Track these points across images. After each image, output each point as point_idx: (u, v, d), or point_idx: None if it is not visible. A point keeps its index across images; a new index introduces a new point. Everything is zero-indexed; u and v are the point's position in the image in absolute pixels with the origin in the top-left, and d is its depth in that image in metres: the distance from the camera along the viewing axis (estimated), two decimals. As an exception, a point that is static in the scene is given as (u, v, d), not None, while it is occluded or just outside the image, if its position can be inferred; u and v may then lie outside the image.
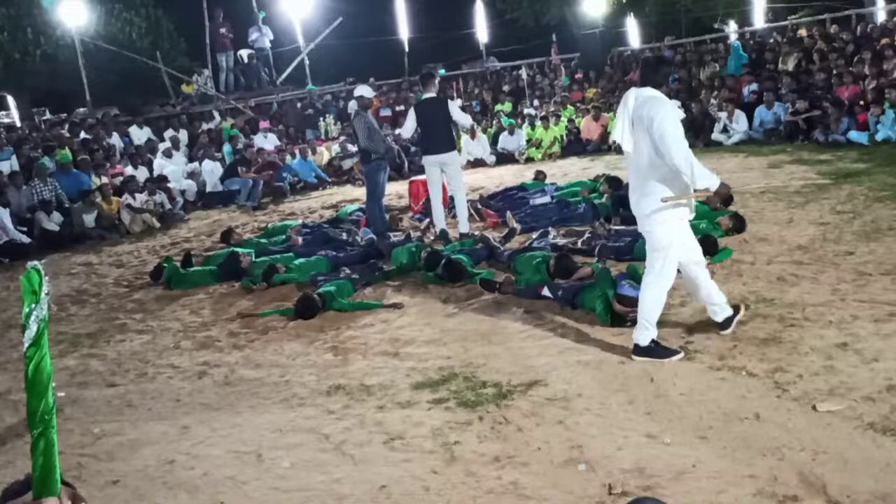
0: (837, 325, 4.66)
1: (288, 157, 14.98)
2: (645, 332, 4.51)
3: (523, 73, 19.37)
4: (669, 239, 4.45)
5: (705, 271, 4.71)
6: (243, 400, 4.73)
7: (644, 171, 4.43)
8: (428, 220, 9.27)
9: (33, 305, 1.47)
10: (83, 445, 4.29)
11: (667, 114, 4.29)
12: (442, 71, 22.60)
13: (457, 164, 8.53)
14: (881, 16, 19.60)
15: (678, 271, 4.62)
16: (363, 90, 9.25)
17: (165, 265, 8.22)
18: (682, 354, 4.49)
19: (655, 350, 4.50)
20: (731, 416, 3.71)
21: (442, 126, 8.33)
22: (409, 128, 8.63)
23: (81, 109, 18.30)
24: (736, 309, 4.79)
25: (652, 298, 4.52)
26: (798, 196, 8.37)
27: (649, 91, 4.45)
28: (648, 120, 4.27)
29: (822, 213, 7.29)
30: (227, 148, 15.17)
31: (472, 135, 15.10)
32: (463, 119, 9.14)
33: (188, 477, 3.79)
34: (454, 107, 8.44)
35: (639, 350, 4.53)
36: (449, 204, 10.14)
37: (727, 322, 4.73)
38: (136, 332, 6.56)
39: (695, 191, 4.48)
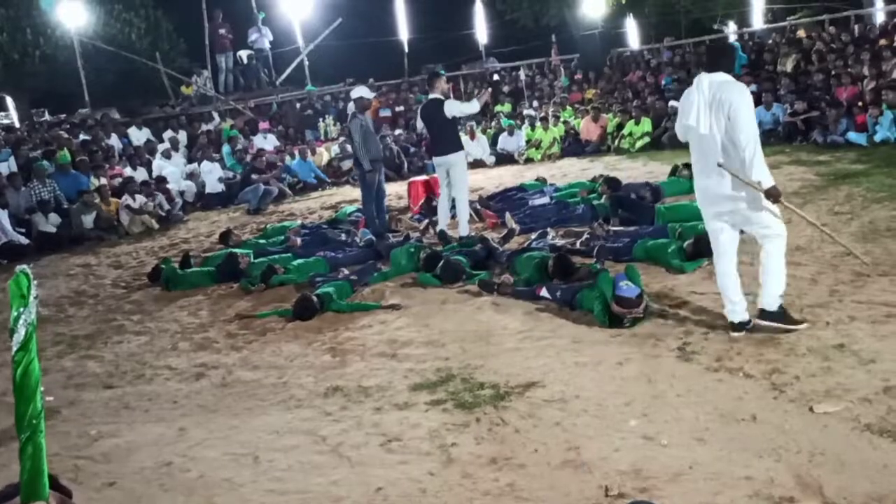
0: (835, 326, 4.66)
1: (287, 158, 15.01)
2: (773, 298, 4.65)
3: (522, 74, 19.37)
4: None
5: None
6: (241, 401, 4.73)
7: (718, 154, 4.55)
8: (427, 220, 9.28)
9: (21, 309, 1.47)
10: (80, 447, 4.29)
11: (743, 98, 4.44)
12: (442, 71, 22.63)
13: (461, 165, 8.39)
14: (880, 17, 19.60)
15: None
16: (362, 91, 9.21)
17: (163, 266, 8.22)
18: (806, 325, 4.62)
19: (783, 316, 4.63)
20: (728, 418, 3.71)
21: (444, 127, 8.22)
22: (419, 126, 8.67)
23: (83, 110, 18.29)
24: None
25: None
26: (796, 197, 8.36)
27: (722, 76, 4.59)
28: (727, 103, 4.41)
29: (820, 214, 7.28)
30: (226, 149, 15.18)
31: (472, 135, 15.11)
32: (463, 109, 8.53)
33: (185, 479, 3.78)
34: (450, 105, 8.22)
35: (766, 315, 4.64)
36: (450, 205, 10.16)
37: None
38: (134, 334, 6.56)
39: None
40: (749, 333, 4.68)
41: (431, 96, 8.40)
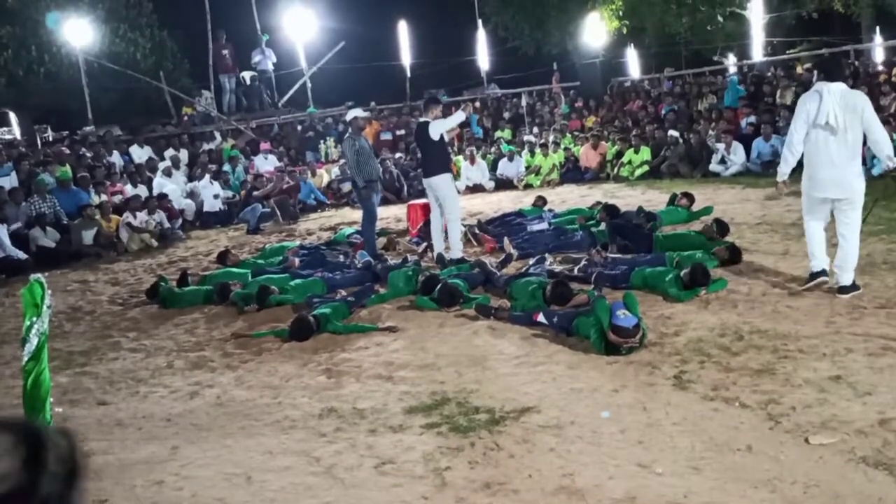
0: (831, 357, 4.66)
1: (304, 176, 15.21)
2: (849, 274, 5.82)
3: (523, 100, 19.51)
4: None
5: None
6: (235, 421, 4.71)
7: (850, 146, 5.69)
8: (425, 244, 9.29)
9: (34, 318, 1.48)
10: (72, 464, 4.25)
11: (870, 106, 5.73)
12: (444, 96, 22.80)
13: (446, 187, 8.34)
14: (878, 52, 19.82)
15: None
16: (356, 112, 9.36)
17: (161, 284, 8.21)
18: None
19: (855, 286, 5.81)
20: (723, 447, 3.70)
21: (430, 149, 8.35)
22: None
23: (86, 128, 18.38)
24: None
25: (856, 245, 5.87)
26: (794, 228, 8.39)
27: (843, 86, 5.75)
28: (861, 109, 5.63)
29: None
30: (227, 167, 15.29)
31: (472, 160, 15.20)
32: (446, 124, 8.42)
33: (176, 498, 3.76)
34: (434, 126, 8.20)
35: (845, 289, 5.77)
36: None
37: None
38: (130, 351, 6.54)
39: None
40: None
41: (422, 119, 8.56)
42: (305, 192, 14.72)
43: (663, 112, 16.80)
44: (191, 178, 15.04)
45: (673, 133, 14.65)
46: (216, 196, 14.09)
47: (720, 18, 21.47)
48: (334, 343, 6.06)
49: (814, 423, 3.84)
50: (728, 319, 5.57)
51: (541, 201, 11.12)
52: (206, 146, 17.32)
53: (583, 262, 7.45)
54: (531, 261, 7.91)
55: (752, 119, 14.29)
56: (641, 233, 8.30)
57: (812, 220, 6.07)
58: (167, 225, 12.55)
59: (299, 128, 18.91)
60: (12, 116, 24.19)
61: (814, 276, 6.02)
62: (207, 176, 14.37)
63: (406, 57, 22.52)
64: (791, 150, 5.99)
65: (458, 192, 14.13)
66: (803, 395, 4.18)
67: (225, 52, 20.06)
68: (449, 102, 21.63)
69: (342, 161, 16.04)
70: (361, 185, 8.89)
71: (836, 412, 3.93)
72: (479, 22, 22.56)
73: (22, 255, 11.00)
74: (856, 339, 4.93)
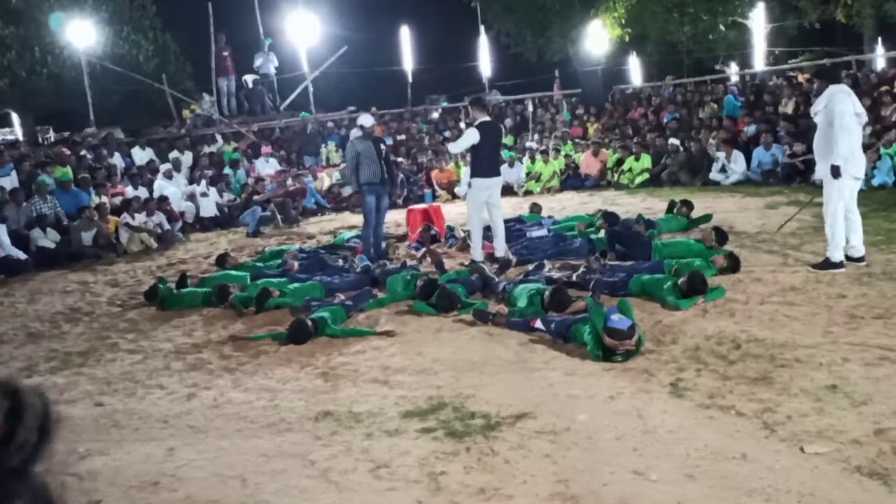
0: (828, 367, 4.67)
1: (309, 179, 15.25)
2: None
3: (529, 106, 19.54)
4: None
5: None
6: (231, 423, 4.71)
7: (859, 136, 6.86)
8: (424, 249, 9.31)
9: None
10: (67, 464, 4.25)
11: None
12: (444, 102, 22.84)
13: (467, 191, 8.72)
14: (880, 62, 19.85)
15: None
16: (365, 119, 9.37)
17: (160, 286, 8.22)
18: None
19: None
20: (718, 455, 3.70)
21: (497, 149, 8.84)
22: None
23: (90, 130, 18.40)
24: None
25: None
26: (793, 238, 8.42)
27: (847, 88, 6.97)
28: (863, 108, 6.90)
29: (817, 256, 7.31)
30: (229, 170, 15.34)
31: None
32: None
33: (171, 499, 3.76)
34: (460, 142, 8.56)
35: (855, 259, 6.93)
36: (446, 233, 10.21)
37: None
38: (127, 352, 6.54)
39: None
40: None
41: (487, 119, 8.43)
42: (306, 196, 14.75)
43: (665, 120, 16.84)
44: (191, 181, 15.06)
45: (674, 141, 14.68)
46: (215, 202, 14.11)
47: (722, 27, 21.50)
48: (332, 346, 6.07)
49: (809, 433, 3.84)
50: (725, 327, 5.58)
51: (537, 207, 11.13)
52: (207, 149, 17.33)
53: (581, 269, 7.45)
54: (530, 267, 7.93)
55: (753, 128, 14.32)
56: (640, 240, 8.31)
57: (841, 205, 6.83)
58: (167, 227, 12.56)
59: (308, 130, 18.86)
60: (14, 117, 24.22)
61: (842, 263, 6.87)
62: (204, 181, 14.36)
63: (408, 62, 22.56)
64: (851, 142, 6.68)
65: (459, 197, 14.27)
66: (799, 404, 4.18)
67: (225, 53, 20.11)
68: (450, 107, 21.74)
69: (343, 165, 16.08)
70: (354, 189, 8.90)
71: (832, 421, 3.94)
72: (482, 28, 22.59)
73: (22, 255, 11.00)
74: (853, 348, 4.93)
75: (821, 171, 7.00)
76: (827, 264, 6.89)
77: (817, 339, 5.19)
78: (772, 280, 6.79)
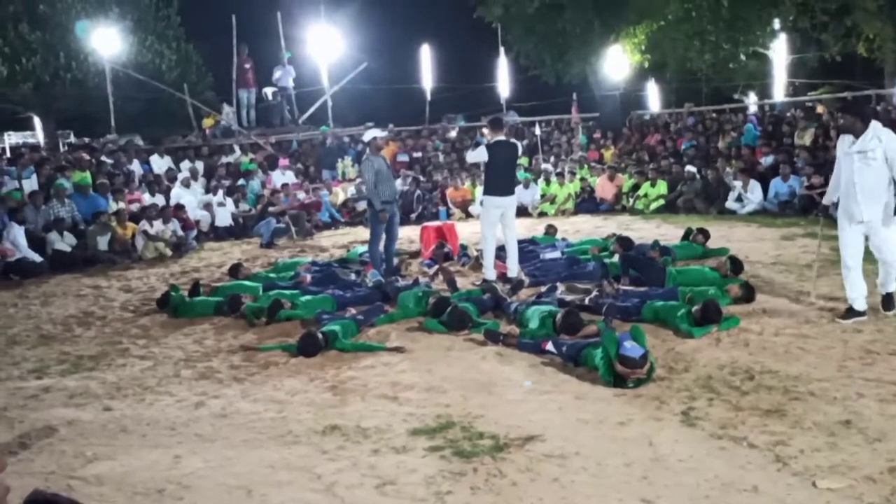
0: (842, 402, 4.61)
1: (324, 193, 15.34)
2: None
3: (537, 129, 19.58)
4: None
5: None
6: (238, 433, 4.70)
7: None
8: (436, 266, 9.31)
9: None
10: (74, 468, 4.26)
11: None
12: (462, 122, 22.91)
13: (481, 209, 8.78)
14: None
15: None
16: (374, 133, 9.47)
17: (173, 293, 8.25)
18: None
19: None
20: (729, 487, 3.65)
21: (513, 169, 8.68)
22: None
23: (110, 136, 18.59)
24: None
25: None
26: (809, 269, 8.34)
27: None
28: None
29: (833, 289, 7.24)
30: (243, 181, 15.43)
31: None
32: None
33: (176, 507, 3.75)
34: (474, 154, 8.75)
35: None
36: (459, 252, 10.21)
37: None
38: (138, 358, 6.56)
39: None
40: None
41: (503, 139, 8.47)
42: (321, 209, 14.81)
43: (683, 147, 16.82)
44: (208, 190, 15.16)
45: (690, 168, 14.65)
46: (231, 212, 14.19)
47: (743, 57, 21.48)
48: (341, 360, 6.06)
49: (822, 467, 3.79)
50: (739, 357, 5.53)
51: (552, 229, 11.12)
52: (224, 159, 17.45)
53: (594, 293, 7.42)
54: (542, 289, 7.90)
55: (770, 159, 14.27)
56: (654, 266, 8.27)
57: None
58: (182, 234, 12.62)
59: (327, 143, 18.94)
60: (37, 121, 24.50)
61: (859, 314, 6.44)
62: (221, 191, 14.45)
63: (427, 81, 22.68)
64: None
65: (473, 216, 14.29)
66: (812, 438, 4.13)
67: (247, 66, 20.31)
68: (468, 126, 21.80)
69: (359, 180, 16.13)
70: (378, 207, 8.92)
71: (846, 457, 3.88)
72: (501, 49, 22.71)
73: (38, 257, 11.08)
74: (868, 384, 4.87)
75: (870, 214, 6.15)
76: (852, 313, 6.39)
77: (832, 373, 5.13)
78: (787, 312, 6.74)
